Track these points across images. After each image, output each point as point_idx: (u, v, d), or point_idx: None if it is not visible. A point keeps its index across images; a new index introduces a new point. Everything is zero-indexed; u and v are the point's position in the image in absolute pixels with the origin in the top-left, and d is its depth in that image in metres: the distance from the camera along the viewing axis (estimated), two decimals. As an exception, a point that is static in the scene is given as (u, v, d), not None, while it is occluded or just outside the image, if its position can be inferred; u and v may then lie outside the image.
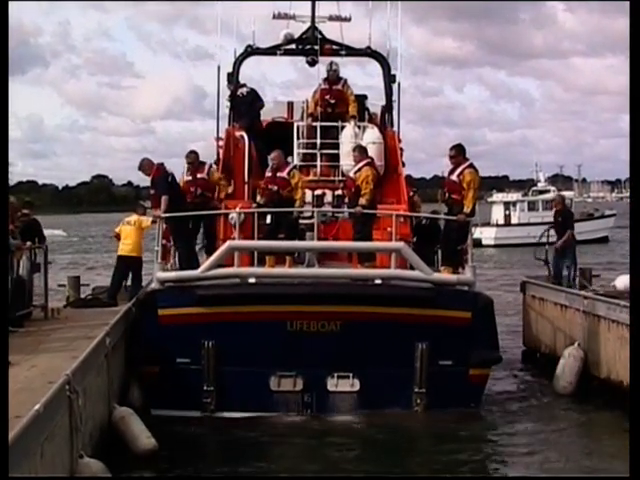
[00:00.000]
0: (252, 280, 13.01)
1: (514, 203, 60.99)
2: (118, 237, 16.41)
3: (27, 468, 7.01)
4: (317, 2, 17.04)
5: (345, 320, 12.78)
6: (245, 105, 16.82)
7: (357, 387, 12.99)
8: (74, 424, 8.89)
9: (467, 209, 13.34)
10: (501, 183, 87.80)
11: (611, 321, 13.90)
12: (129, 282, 16.33)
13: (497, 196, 63.75)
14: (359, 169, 13.92)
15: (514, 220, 59.54)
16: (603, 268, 29.48)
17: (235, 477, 10.36)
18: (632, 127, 9.75)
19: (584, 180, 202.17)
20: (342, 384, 12.99)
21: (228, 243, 13.18)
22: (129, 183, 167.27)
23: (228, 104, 17.17)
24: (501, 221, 59.41)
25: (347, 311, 12.81)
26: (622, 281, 15.68)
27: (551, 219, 19.29)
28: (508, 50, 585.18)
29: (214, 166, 15.59)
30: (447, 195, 13.77)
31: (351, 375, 12.98)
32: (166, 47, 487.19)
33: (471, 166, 13.55)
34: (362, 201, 13.61)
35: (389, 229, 14.16)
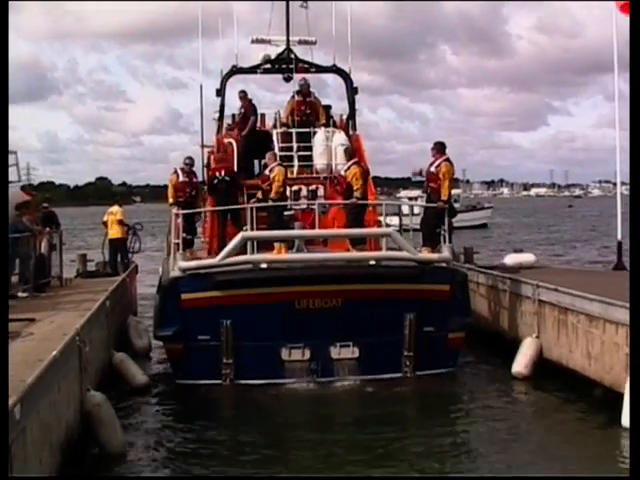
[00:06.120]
0: (264, 265, 14.42)
1: (415, 198, 65.47)
2: (105, 224, 21.25)
3: (47, 400, 8.58)
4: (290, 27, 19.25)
5: (345, 297, 14.16)
6: (255, 112, 18.98)
7: (357, 354, 14.44)
8: (82, 366, 10.90)
9: (444, 197, 14.98)
10: (406, 183, 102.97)
11: (488, 287, 18.02)
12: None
13: (403, 193, 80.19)
14: (348, 167, 15.68)
15: (416, 211, 63.58)
16: (482, 247, 38.77)
17: (235, 477, 10.51)
18: (632, 128, 10.55)
19: (467, 181, 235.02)
20: (344, 352, 14.42)
21: (241, 234, 14.41)
22: (124, 183, 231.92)
23: (216, 115, 19.07)
24: (406, 211, 63.48)
25: (347, 289, 14.20)
26: (510, 258, 20.16)
27: None
28: (410, 82, 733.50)
29: None
30: (426, 184, 15.50)
31: (351, 344, 14.39)
32: (150, 79, 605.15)
33: (447, 160, 15.18)
34: (357, 194, 15.25)
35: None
